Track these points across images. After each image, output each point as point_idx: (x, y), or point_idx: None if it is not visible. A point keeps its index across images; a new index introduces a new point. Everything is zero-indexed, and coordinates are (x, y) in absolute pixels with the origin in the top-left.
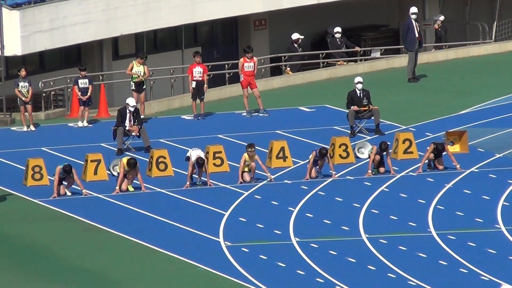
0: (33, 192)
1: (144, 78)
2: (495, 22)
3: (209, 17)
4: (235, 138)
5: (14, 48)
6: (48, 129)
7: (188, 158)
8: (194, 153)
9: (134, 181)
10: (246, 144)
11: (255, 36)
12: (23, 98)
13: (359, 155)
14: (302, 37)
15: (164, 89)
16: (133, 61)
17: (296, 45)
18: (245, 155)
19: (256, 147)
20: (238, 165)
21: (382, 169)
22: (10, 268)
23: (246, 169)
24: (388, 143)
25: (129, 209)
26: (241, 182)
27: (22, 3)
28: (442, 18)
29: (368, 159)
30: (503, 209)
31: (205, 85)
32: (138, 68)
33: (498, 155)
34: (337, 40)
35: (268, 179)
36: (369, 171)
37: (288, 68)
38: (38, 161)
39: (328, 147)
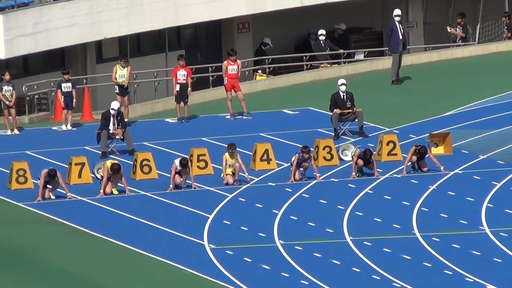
0: (17, 195)
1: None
2: (478, 24)
3: (192, 20)
4: (219, 141)
5: None
6: (32, 132)
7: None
8: (178, 159)
9: (118, 184)
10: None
11: (239, 39)
12: (7, 102)
13: (343, 157)
14: (272, 46)
15: (148, 92)
16: (116, 65)
17: (264, 49)
18: (226, 154)
19: (239, 150)
20: (222, 167)
21: (371, 166)
22: None
23: (229, 172)
24: (371, 145)
25: (113, 212)
26: (226, 183)
27: (6, 7)
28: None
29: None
30: (487, 210)
31: (189, 88)
32: (121, 72)
33: (482, 157)
34: (321, 42)
35: (246, 179)
36: (353, 173)
37: (260, 71)
38: (22, 164)
39: (312, 149)
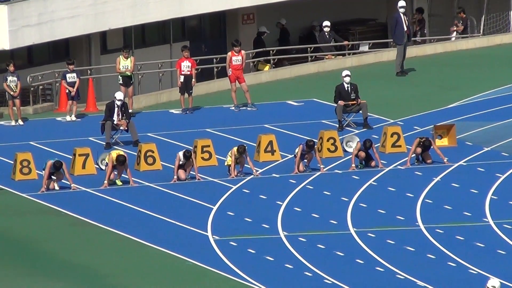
0: (21, 186)
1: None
2: (483, 16)
3: (197, 11)
4: (223, 132)
5: (2, 42)
6: (37, 123)
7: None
8: (181, 152)
9: (122, 175)
10: (234, 138)
11: (243, 30)
12: (12, 93)
13: (347, 148)
14: (268, 32)
15: (152, 83)
16: (120, 56)
17: (262, 38)
18: (235, 149)
19: (244, 141)
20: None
21: (373, 163)
22: None
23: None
24: (375, 136)
25: (117, 203)
26: (233, 177)
27: None
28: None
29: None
30: (491, 202)
31: (193, 79)
32: (125, 62)
33: (486, 149)
34: (326, 34)
35: (254, 175)
36: (353, 165)
37: (262, 60)
38: (27, 155)
39: (316, 140)
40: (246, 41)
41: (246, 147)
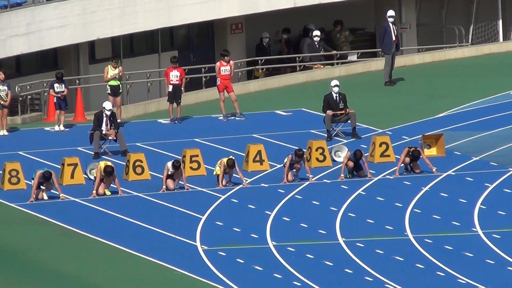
0: (10, 196)
1: (118, 77)
2: (472, 25)
3: (185, 21)
4: (212, 142)
5: None
6: (25, 133)
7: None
8: (170, 162)
9: (111, 185)
10: (223, 148)
11: (232, 40)
12: (2, 102)
13: (336, 158)
14: (269, 37)
15: (141, 93)
16: (108, 66)
17: (265, 44)
18: (224, 160)
19: (232, 151)
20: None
21: (362, 172)
22: None
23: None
24: (363, 146)
25: (106, 213)
26: (221, 187)
27: None
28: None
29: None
30: (480, 212)
31: (182, 89)
32: (113, 72)
33: (475, 158)
34: (315, 43)
35: (243, 185)
36: (341, 175)
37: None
38: (15, 165)
39: (304, 150)
40: (234, 50)
41: (235, 160)
